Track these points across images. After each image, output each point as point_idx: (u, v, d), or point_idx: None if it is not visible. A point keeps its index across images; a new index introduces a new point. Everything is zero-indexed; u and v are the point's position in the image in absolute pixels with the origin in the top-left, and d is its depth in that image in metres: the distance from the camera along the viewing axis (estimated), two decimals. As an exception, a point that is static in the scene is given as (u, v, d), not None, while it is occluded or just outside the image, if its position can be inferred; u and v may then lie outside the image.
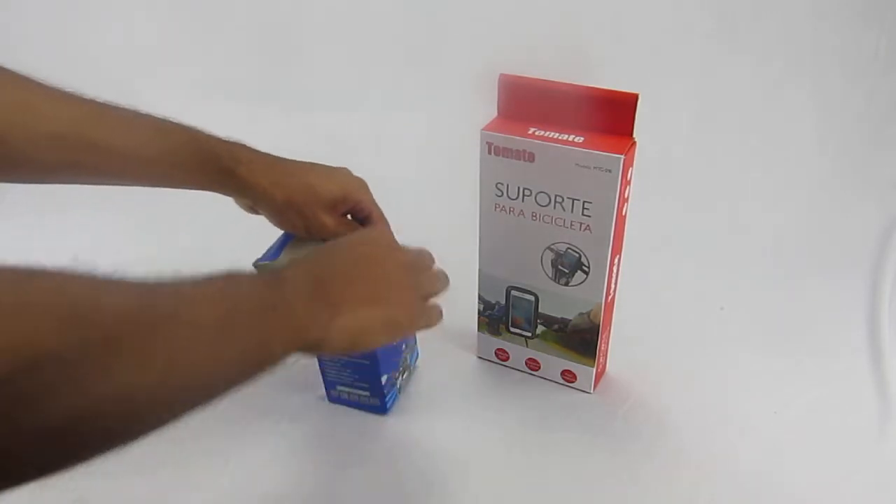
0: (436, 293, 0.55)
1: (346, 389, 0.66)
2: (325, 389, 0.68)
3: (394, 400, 0.67)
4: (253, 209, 0.62)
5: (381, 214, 0.63)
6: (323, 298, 0.46)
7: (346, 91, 1.07)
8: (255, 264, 0.61)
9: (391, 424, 0.66)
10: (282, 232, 0.63)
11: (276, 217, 0.62)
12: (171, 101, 1.09)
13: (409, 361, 0.70)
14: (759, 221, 0.90)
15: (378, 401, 0.66)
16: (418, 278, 0.54)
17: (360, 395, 0.66)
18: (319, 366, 0.66)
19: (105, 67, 1.09)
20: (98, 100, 0.56)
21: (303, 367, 0.70)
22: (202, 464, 0.61)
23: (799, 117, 0.95)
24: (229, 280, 0.41)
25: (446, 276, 0.57)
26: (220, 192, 0.61)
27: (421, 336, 0.75)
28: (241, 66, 1.09)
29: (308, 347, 0.45)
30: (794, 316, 0.77)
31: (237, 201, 0.63)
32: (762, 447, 0.62)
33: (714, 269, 0.84)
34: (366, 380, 0.64)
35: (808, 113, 0.95)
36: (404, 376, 0.69)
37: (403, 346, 0.67)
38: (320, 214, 0.61)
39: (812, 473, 0.60)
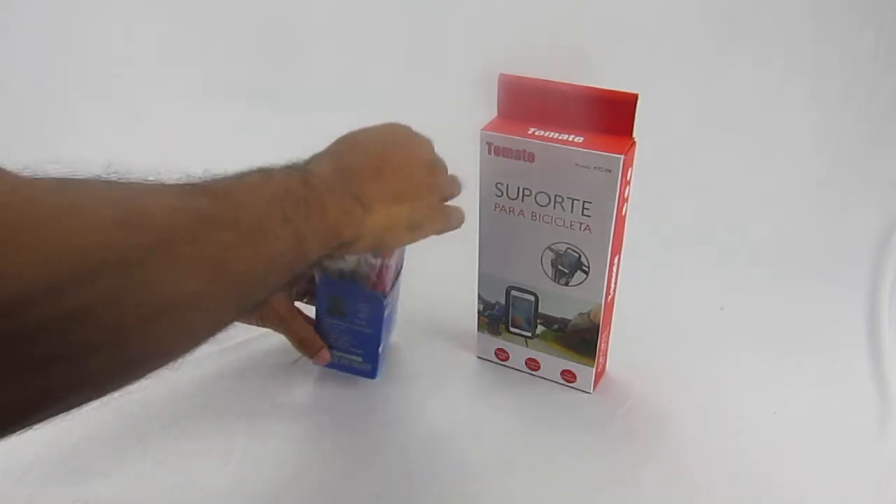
0: (452, 196, 0.55)
1: (340, 354, 0.68)
2: None
3: (382, 365, 0.70)
4: None
5: None
6: (353, 194, 0.45)
7: (346, 91, 1.07)
8: None
9: (391, 426, 0.66)
10: None
11: None
12: (172, 101, 1.09)
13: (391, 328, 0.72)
14: (759, 221, 0.90)
15: (371, 366, 0.68)
16: (438, 179, 0.53)
17: (352, 360, 0.68)
18: (318, 330, 0.67)
19: (105, 67, 1.09)
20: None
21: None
22: (206, 447, 0.61)
23: (799, 117, 0.95)
24: (264, 177, 0.41)
25: (460, 181, 0.58)
26: None
27: (420, 336, 0.75)
28: (241, 66, 1.09)
29: (340, 246, 0.45)
30: (794, 316, 0.77)
31: None
32: (762, 447, 0.62)
33: (714, 269, 0.84)
34: (363, 346, 0.67)
35: (807, 113, 0.95)
36: (388, 342, 0.72)
37: (392, 313, 0.69)
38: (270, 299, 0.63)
39: (812, 473, 0.60)
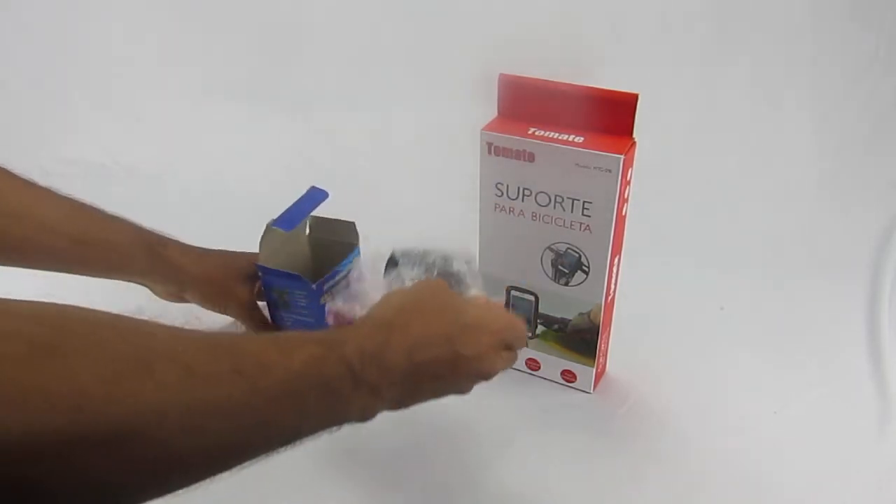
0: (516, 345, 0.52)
1: None
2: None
3: None
4: (176, 295, 0.67)
5: None
6: (398, 397, 0.46)
7: (346, 91, 1.07)
8: (269, 226, 0.62)
9: (391, 426, 0.66)
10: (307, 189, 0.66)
11: (199, 294, 0.66)
12: (172, 101, 1.09)
13: None
14: (759, 221, 0.90)
15: None
16: (500, 325, 0.50)
17: None
18: (274, 321, 0.68)
19: (105, 67, 1.09)
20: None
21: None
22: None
23: (798, 117, 0.95)
24: (307, 364, 0.40)
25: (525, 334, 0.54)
26: (145, 279, 0.66)
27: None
28: (241, 66, 1.09)
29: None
30: (794, 316, 0.77)
31: (159, 289, 0.67)
32: (762, 447, 0.62)
33: (714, 269, 0.84)
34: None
35: (807, 113, 0.95)
36: None
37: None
38: (236, 286, 0.66)
39: (812, 473, 0.60)
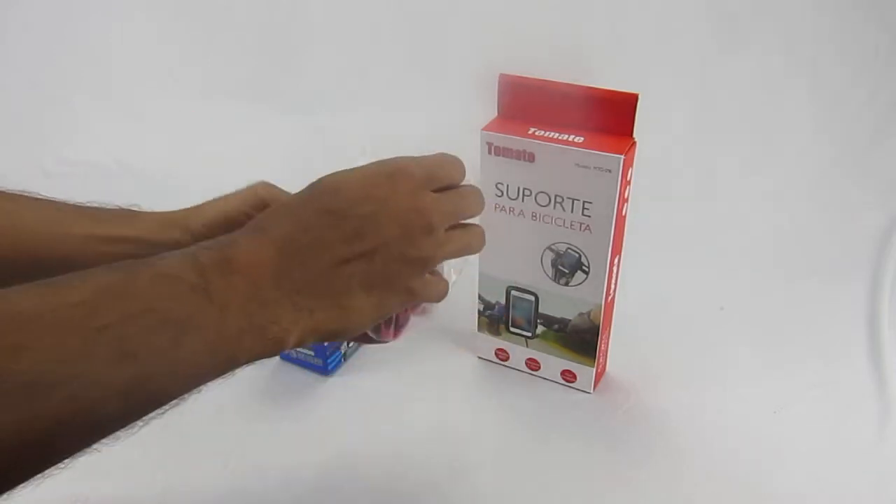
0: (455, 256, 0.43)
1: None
2: None
3: (337, 363, 0.71)
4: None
5: None
6: (291, 291, 0.36)
7: (346, 91, 1.07)
8: None
9: (392, 426, 0.66)
10: None
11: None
12: (172, 100, 1.09)
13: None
14: (759, 221, 0.90)
15: (321, 361, 0.69)
16: (432, 246, 0.40)
17: (305, 355, 0.69)
18: None
19: (105, 67, 1.09)
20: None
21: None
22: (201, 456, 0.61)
23: (799, 116, 0.95)
24: (158, 279, 0.33)
25: (479, 196, 0.45)
26: None
27: (420, 336, 0.75)
28: (241, 66, 1.09)
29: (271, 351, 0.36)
30: (794, 316, 0.77)
31: None
32: (762, 447, 0.62)
33: (714, 270, 0.84)
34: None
35: (808, 112, 0.95)
36: (349, 345, 0.72)
37: None
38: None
39: (812, 473, 0.60)
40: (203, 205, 0.53)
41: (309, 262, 0.36)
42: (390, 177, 0.40)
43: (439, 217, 0.41)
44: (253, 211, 0.50)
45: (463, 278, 0.51)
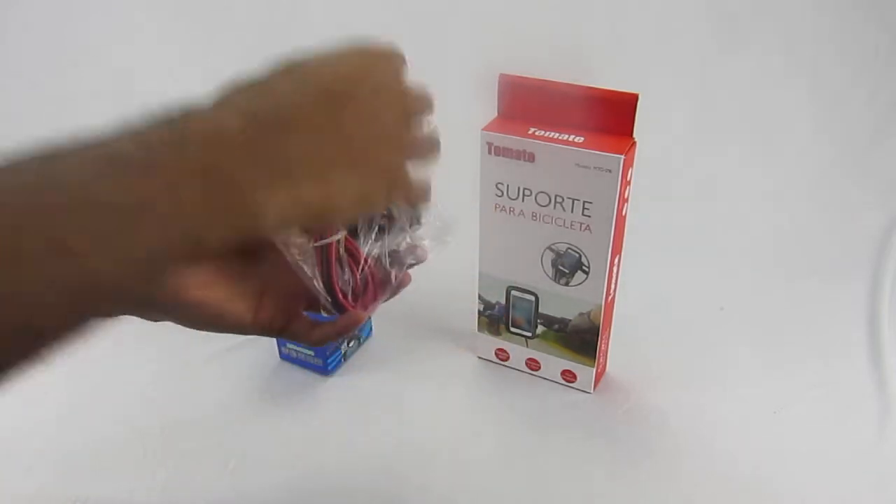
0: (423, 157, 0.40)
1: (294, 348, 0.70)
2: (277, 346, 0.71)
3: (337, 363, 0.70)
4: None
5: None
6: (265, 160, 0.30)
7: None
8: None
9: (392, 426, 0.66)
10: None
11: None
12: (172, 101, 1.09)
13: (356, 331, 0.71)
14: (759, 221, 0.90)
15: (321, 361, 0.69)
16: (410, 136, 0.38)
17: (305, 355, 0.70)
18: None
19: (105, 67, 1.09)
20: None
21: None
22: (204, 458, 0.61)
23: (799, 116, 0.95)
24: (95, 162, 0.27)
25: (438, 141, 0.43)
26: None
27: (420, 336, 0.75)
28: (241, 66, 1.09)
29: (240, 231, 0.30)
30: (794, 316, 0.77)
31: None
32: (762, 447, 0.62)
33: (714, 270, 0.84)
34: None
35: (808, 112, 0.95)
36: (350, 344, 0.72)
37: None
38: None
39: (812, 473, 0.60)
40: None
41: (279, 133, 0.31)
42: (374, 57, 0.37)
43: (418, 105, 0.39)
44: None
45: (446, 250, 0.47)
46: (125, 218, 0.27)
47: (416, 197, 0.40)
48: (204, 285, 0.39)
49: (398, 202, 0.40)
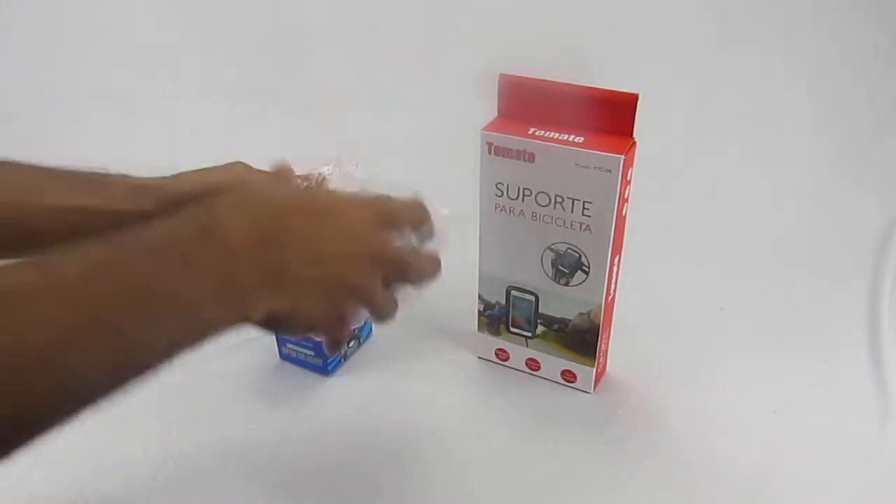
0: (407, 278, 0.45)
1: (294, 348, 0.70)
2: (277, 346, 0.71)
3: (337, 363, 0.71)
4: None
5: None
6: (262, 270, 0.38)
7: (346, 91, 1.07)
8: None
9: (392, 425, 0.66)
10: None
11: None
12: (172, 101, 1.09)
13: (357, 331, 0.73)
14: (759, 221, 0.90)
15: (321, 361, 0.69)
16: (384, 256, 0.43)
17: (305, 355, 0.70)
18: None
19: (105, 67, 1.09)
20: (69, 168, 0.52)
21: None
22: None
23: (799, 116, 0.95)
24: (146, 255, 0.35)
25: (437, 262, 0.47)
26: None
27: (420, 336, 0.75)
28: (241, 66, 1.09)
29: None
30: (794, 316, 0.77)
31: None
32: (762, 447, 0.62)
33: (714, 270, 0.84)
34: (312, 340, 0.68)
35: (808, 112, 0.95)
36: (350, 344, 0.72)
37: None
38: None
39: (812, 473, 0.60)
40: (180, 175, 0.53)
41: (284, 253, 0.39)
42: (364, 209, 0.44)
43: (393, 258, 0.44)
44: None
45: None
46: (164, 309, 0.35)
47: (385, 314, 0.46)
48: None
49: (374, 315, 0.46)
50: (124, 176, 0.53)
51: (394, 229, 0.45)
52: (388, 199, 0.46)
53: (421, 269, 0.46)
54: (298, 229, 0.40)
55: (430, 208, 0.49)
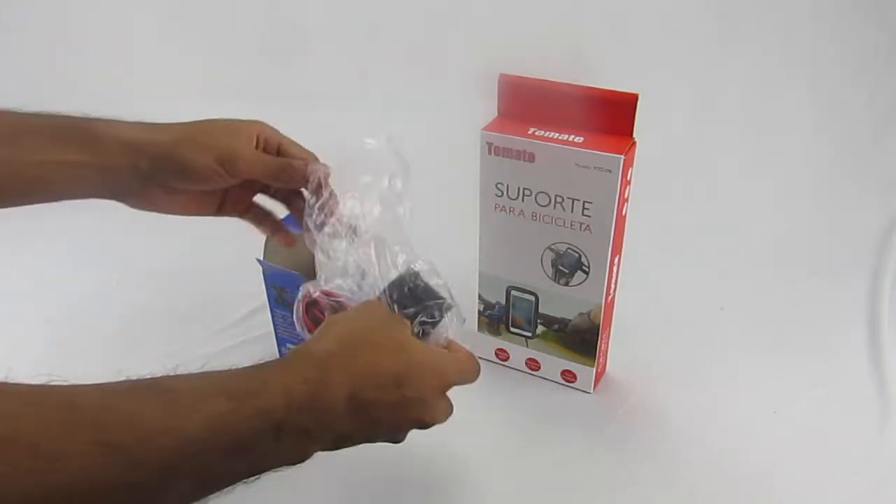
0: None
1: (292, 346, 0.69)
2: (277, 346, 0.70)
3: None
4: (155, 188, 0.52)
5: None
6: (335, 431, 0.42)
7: (346, 91, 1.07)
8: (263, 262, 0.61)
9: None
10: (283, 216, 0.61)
11: (205, 186, 0.52)
12: (172, 101, 1.09)
13: None
14: (760, 221, 0.90)
15: None
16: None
17: None
18: (273, 321, 0.68)
19: (105, 67, 1.09)
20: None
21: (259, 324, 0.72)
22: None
23: (799, 116, 0.96)
24: (255, 416, 0.37)
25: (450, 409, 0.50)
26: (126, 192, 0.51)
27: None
28: (241, 66, 1.09)
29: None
30: (794, 316, 0.77)
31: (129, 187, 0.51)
32: (762, 447, 0.62)
33: (714, 270, 0.84)
34: None
35: (808, 112, 0.95)
36: None
37: None
38: (241, 146, 0.52)
39: (812, 473, 0.60)
40: (181, 143, 0.51)
41: (356, 416, 0.41)
42: (442, 378, 0.47)
43: (433, 425, 0.47)
44: (224, 170, 0.51)
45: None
46: (248, 466, 0.38)
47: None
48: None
49: None
50: (113, 124, 0.51)
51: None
52: (453, 361, 0.49)
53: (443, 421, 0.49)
54: (383, 404, 0.42)
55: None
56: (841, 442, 0.62)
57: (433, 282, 0.51)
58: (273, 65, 1.09)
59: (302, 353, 0.43)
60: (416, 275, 0.51)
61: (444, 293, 0.51)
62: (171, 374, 0.38)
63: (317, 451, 0.42)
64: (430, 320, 0.49)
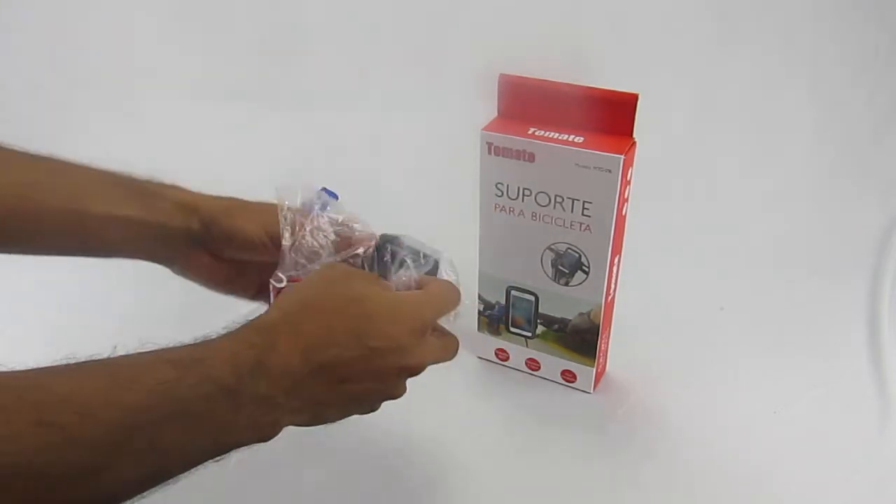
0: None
1: None
2: None
3: None
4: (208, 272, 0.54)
5: None
6: (297, 397, 0.41)
7: (346, 91, 1.07)
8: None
9: (391, 425, 0.66)
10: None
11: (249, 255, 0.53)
12: (172, 101, 1.09)
13: None
14: (760, 221, 0.90)
15: None
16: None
17: None
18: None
19: (105, 67, 1.09)
20: (67, 161, 0.52)
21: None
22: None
23: (799, 116, 0.95)
24: (202, 383, 0.36)
25: (455, 345, 0.50)
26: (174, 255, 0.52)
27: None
28: (241, 66, 1.09)
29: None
30: (794, 316, 0.77)
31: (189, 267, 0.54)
32: (762, 447, 0.62)
33: (714, 270, 0.84)
34: None
35: (807, 112, 0.95)
36: None
37: None
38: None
39: (812, 473, 0.60)
40: (232, 209, 0.53)
41: (322, 377, 0.41)
42: (413, 320, 0.45)
43: (423, 368, 0.47)
44: (270, 242, 0.52)
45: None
46: (203, 434, 0.37)
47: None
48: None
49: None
50: (169, 186, 0.53)
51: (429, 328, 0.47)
52: (431, 295, 0.48)
53: (438, 361, 0.48)
54: (347, 359, 0.41)
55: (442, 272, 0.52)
56: (841, 442, 0.63)
57: (413, 243, 0.52)
58: (273, 65, 1.08)
59: (249, 323, 0.42)
60: (396, 237, 0.52)
61: (425, 250, 0.51)
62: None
63: (291, 422, 0.41)
64: (402, 266, 0.49)
